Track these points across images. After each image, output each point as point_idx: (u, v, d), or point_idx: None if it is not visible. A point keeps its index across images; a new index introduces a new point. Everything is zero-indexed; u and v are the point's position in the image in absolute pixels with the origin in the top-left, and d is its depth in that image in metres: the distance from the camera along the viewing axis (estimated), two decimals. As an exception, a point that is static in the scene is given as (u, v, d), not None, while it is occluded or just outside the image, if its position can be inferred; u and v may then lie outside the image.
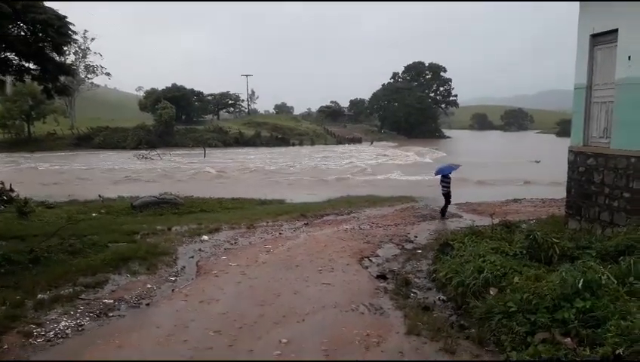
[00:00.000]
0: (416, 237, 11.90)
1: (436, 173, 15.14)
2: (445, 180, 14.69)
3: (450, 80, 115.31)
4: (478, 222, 11.82)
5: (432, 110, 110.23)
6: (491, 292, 6.50)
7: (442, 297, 7.50)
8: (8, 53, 11.11)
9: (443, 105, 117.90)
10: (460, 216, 14.78)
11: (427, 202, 18.14)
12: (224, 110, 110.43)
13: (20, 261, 8.79)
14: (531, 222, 12.33)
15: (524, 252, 7.74)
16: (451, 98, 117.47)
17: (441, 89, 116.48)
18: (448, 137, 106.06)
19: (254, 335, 6.14)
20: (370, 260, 9.84)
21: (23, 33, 10.65)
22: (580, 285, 5.48)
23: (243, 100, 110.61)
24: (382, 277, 8.64)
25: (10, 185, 19.49)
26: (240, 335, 6.11)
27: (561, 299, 5.48)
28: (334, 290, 7.86)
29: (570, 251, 7.62)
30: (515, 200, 18.33)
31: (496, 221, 10.52)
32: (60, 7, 11.03)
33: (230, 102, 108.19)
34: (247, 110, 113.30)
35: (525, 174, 30.60)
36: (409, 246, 11.04)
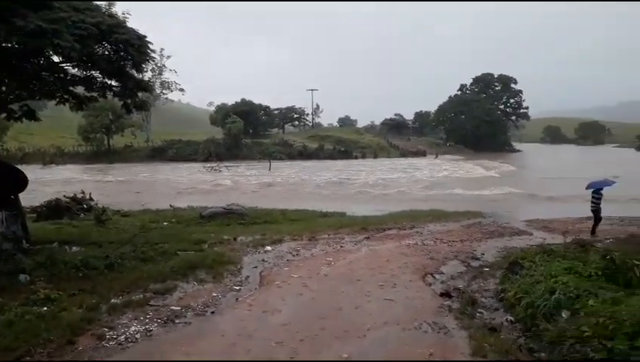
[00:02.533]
0: (483, 254, 11.51)
1: (587, 188, 14.18)
2: (596, 196, 13.77)
3: (520, 92, 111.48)
4: (549, 240, 11.25)
5: (502, 123, 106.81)
6: (563, 315, 6.16)
7: (510, 318, 7.16)
8: (93, 72, 11.93)
9: (513, 118, 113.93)
10: (530, 234, 14.16)
11: (495, 218, 17.52)
12: (289, 124, 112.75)
13: (96, 266, 9.34)
14: (607, 241, 11.61)
15: (600, 273, 7.26)
16: (522, 110, 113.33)
17: (512, 101, 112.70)
18: (518, 151, 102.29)
19: (315, 348, 6.14)
20: (434, 277, 9.60)
21: (106, 52, 11.38)
22: (664, 311, 5.08)
23: (308, 114, 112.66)
24: (446, 295, 8.40)
25: (90, 194, 20.89)
26: (301, 348, 6.13)
27: (642, 325, 5.10)
28: (396, 307, 7.73)
29: (652, 274, 7.08)
30: (590, 218, 17.28)
31: (569, 239, 9.99)
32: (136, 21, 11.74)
33: (295, 116, 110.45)
34: (311, 124, 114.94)
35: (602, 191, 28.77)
36: (475, 263, 10.69)
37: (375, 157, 77.36)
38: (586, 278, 7.17)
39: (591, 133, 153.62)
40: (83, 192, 20.50)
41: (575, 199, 26.24)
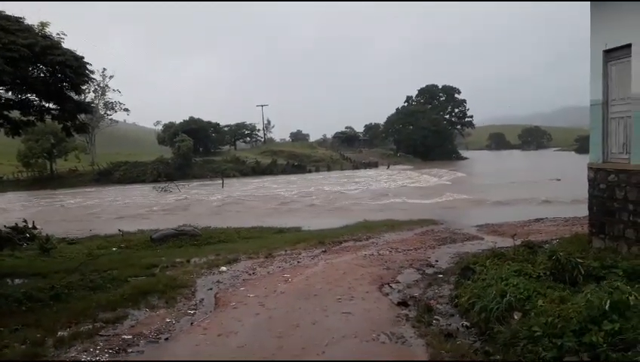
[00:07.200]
0: (437, 261, 11.70)
1: None
2: None
3: (464, 101, 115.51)
4: (499, 244, 11.58)
5: (448, 132, 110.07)
6: (515, 317, 6.31)
7: (465, 323, 7.28)
8: (29, 95, 11.45)
9: (459, 127, 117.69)
10: (481, 238, 14.54)
11: (447, 225, 17.92)
12: (241, 140, 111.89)
13: (40, 298, 8.87)
14: (554, 241, 12.06)
15: (548, 273, 7.52)
16: (467, 119, 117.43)
17: (456, 110, 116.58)
18: (465, 158, 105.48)
19: (274, 368, 6.03)
20: (390, 287, 9.66)
21: (42, 74, 10.97)
22: (606, 306, 5.29)
23: (259, 130, 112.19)
24: (403, 304, 8.46)
25: (33, 222, 19.82)
26: (259, 369, 6.01)
27: (587, 321, 5.28)
28: (354, 319, 7.71)
29: (595, 271, 7.39)
30: (537, 220, 18.00)
31: (518, 242, 10.31)
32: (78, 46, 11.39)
33: (246, 132, 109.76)
34: (263, 139, 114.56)
35: (546, 193, 30.13)
36: (430, 270, 10.85)
37: (329, 170, 77.81)
38: (535, 279, 7.40)
39: (533, 138, 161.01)
40: (25, 221, 19.47)
41: (521, 202, 27.37)
